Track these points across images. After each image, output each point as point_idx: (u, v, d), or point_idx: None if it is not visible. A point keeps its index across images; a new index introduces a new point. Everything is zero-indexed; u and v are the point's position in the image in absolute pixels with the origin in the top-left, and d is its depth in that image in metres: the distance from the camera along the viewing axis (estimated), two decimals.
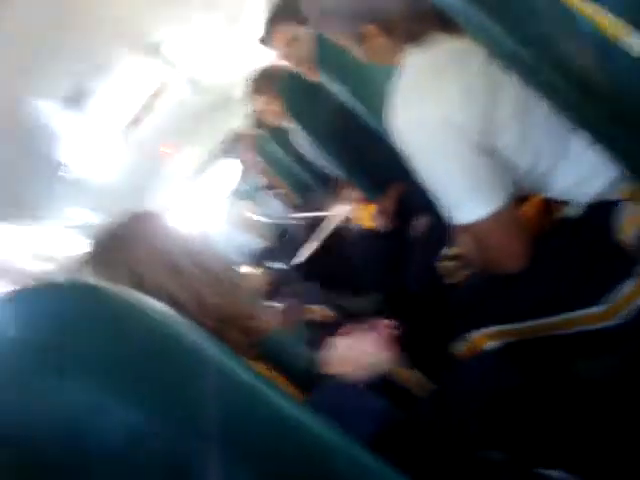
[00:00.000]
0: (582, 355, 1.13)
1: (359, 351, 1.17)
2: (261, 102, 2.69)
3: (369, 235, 1.98)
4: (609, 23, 0.80)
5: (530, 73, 0.94)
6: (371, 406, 1.09)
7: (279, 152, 2.99)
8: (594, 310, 1.04)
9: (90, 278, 0.97)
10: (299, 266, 3.31)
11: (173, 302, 0.98)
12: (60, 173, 2.85)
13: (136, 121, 3.36)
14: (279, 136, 2.88)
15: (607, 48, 0.82)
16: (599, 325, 1.04)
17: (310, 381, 1.16)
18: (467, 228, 1.09)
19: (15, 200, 2.56)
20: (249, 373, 0.57)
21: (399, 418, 1.18)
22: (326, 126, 1.93)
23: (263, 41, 1.85)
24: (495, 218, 1.05)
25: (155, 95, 3.40)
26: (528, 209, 1.19)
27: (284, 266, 3.68)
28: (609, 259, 1.06)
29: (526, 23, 0.85)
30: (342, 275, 2.21)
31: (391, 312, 2.13)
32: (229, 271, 1.11)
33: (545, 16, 0.85)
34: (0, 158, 2.22)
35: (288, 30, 1.74)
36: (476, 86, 1.02)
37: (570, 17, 0.81)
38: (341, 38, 1.16)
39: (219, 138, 4.28)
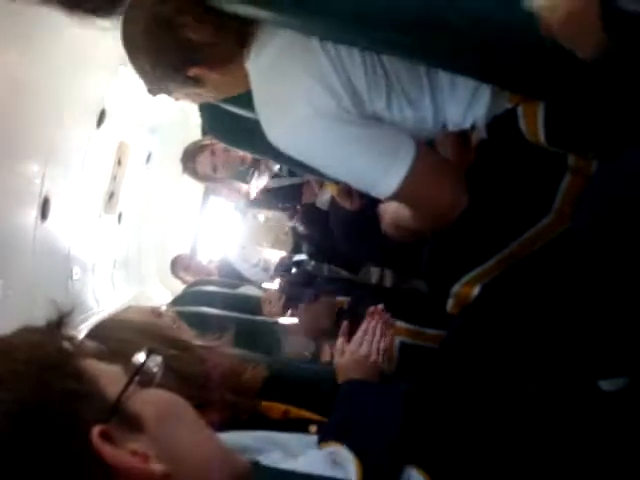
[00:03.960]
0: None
1: (366, 351, 1.21)
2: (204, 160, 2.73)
3: (347, 215, 1.96)
4: None
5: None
6: (390, 399, 1.11)
7: None
8: (545, 221, 1.02)
9: None
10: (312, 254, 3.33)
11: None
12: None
13: (112, 194, 3.39)
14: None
15: None
16: (556, 233, 1.02)
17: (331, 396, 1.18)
18: (394, 198, 1.07)
19: None
20: None
21: (419, 392, 1.20)
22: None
23: None
24: (414, 175, 1.02)
25: (118, 162, 3.43)
26: (451, 150, 1.16)
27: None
28: (536, 165, 1.04)
29: None
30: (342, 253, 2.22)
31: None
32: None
33: None
34: None
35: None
36: (324, 67, 1.00)
37: None
38: (187, 92, 1.16)
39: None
